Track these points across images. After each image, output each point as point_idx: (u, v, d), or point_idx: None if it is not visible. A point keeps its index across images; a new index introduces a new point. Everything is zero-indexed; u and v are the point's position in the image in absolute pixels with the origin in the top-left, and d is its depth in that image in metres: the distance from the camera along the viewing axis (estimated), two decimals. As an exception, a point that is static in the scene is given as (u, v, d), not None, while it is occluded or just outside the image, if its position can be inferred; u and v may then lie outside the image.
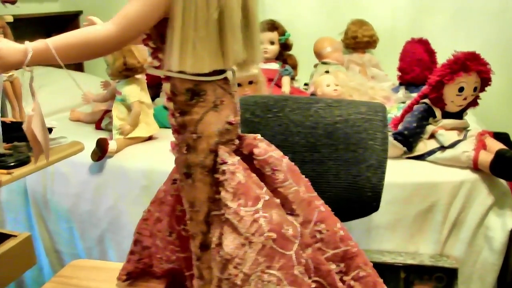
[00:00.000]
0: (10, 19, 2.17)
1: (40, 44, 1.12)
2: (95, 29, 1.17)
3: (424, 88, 2.48)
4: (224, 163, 1.28)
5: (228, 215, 1.25)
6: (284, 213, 1.31)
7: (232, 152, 1.32)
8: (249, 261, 1.22)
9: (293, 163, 1.41)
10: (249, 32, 1.29)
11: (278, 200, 1.32)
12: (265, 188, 1.30)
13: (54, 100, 3.29)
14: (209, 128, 1.29)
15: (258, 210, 1.26)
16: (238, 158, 1.31)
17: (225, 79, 1.32)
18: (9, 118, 2.10)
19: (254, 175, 1.32)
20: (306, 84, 3.70)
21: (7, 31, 2.08)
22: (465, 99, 2.39)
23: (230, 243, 1.23)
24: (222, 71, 1.29)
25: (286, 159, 1.39)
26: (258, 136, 1.39)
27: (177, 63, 1.20)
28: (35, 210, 2.81)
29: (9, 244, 1.78)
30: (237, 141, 1.35)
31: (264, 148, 1.36)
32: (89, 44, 1.16)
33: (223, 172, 1.28)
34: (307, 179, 1.43)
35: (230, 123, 1.31)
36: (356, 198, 1.69)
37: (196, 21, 1.18)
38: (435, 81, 2.35)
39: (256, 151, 1.35)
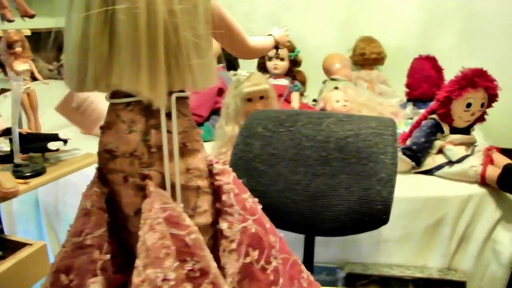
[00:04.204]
0: (28, 32, 2.22)
1: None
2: None
3: (432, 104, 2.51)
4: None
5: None
6: (96, 267, 1.18)
7: (100, 183, 1.25)
8: None
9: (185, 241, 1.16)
10: (113, 58, 1.13)
11: (102, 254, 1.20)
12: (101, 231, 1.21)
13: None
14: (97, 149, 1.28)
15: (69, 241, 1.23)
16: (96, 190, 1.24)
17: (133, 105, 1.22)
18: (25, 129, 2.12)
19: (103, 215, 1.22)
20: (314, 100, 3.73)
21: (25, 44, 2.12)
22: (472, 114, 2.42)
23: None
24: (126, 95, 1.20)
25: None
26: (153, 189, 1.20)
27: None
28: (46, 221, 2.83)
29: (24, 252, 1.81)
30: (132, 178, 1.23)
31: (149, 208, 1.18)
32: None
33: None
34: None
35: (107, 151, 1.24)
36: (367, 211, 1.70)
37: (65, 40, 1.17)
38: (443, 96, 2.38)
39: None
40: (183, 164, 1.24)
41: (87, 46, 1.13)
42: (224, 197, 1.29)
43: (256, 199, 1.40)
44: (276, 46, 1.89)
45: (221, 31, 1.31)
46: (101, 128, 1.26)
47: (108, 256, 1.21)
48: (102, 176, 1.26)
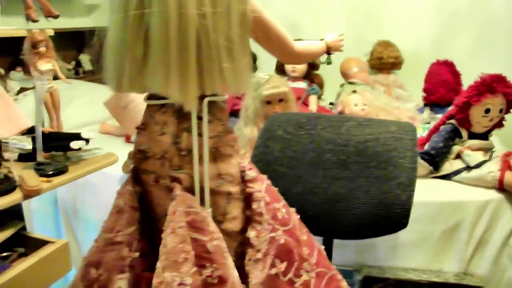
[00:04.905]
0: (51, 32, 2.23)
1: None
2: None
3: (451, 109, 2.51)
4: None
5: None
6: (125, 263, 1.22)
7: (134, 182, 1.29)
8: None
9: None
10: (148, 61, 1.15)
11: (131, 251, 1.24)
12: (131, 229, 1.24)
13: (85, 112, 3.34)
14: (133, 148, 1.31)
15: (101, 236, 1.29)
16: (129, 188, 1.28)
17: (167, 107, 1.25)
18: (47, 128, 2.15)
19: (135, 214, 1.26)
20: (331, 103, 3.74)
21: (49, 44, 2.14)
22: (491, 120, 2.42)
23: None
24: (161, 97, 1.22)
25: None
26: (179, 192, 1.22)
27: None
28: (64, 219, 2.85)
29: (47, 250, 1.83)
30: (163, 180, 1.25)
31: (173, 211, 1.19)
32: None
33: None
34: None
35: (140, 152, 1.28)
36: (386, 214, 1.71)
37: (106, 40, 1.21)
38: (462, 102, 2.38)
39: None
40: (214, 169, 1.25)
41: (124, 48, 1.16)
42: (254, 205, 1.29)
43: (293, 209, 1.39)
44: (328, 52, 1.89)
45: (258, 35, 1.31)
46: (137, 128, 1.28)
47: (137, 254, 1.23)
48: (136, 176, 1.28)
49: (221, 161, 1.26)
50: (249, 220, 1.30)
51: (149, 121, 1.28)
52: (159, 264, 1.13)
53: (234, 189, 1.29)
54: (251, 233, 1.27)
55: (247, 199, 1.31)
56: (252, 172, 1.32)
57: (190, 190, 1.24)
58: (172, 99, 1.17)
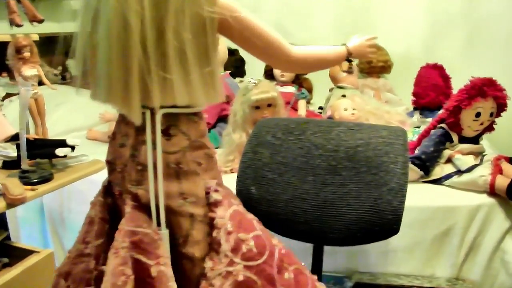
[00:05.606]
0: (36, 37, 2.20)
1: None
2: None
3: (441, 113, 2.49)
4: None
5: None
6: (91, 277, 1.20)
7: (106, 193, 1.27)
8: None
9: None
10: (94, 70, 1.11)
11: (98, 264, 1.22)
12: (100, 242, 1.22)
13: (72, 118, 3.30)
14: None
15: (74, 247, 1.27)
16: (100, 199, 1.25)
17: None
18: (32, 135, 2.11)
19: (105, 226, 1.24)
20: (321, 108, 3.72)
21: (34, 49, 2.11)
22: (481, 124, 2.41)
23: None
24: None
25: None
26: (129, 210, 1.17)
27: None
28: (51, 227, 2.82)
29: (32, 260, 1.80)
30: (125, 194, 1.20)
31: (119, 230, 1.15)
32: None
33: None
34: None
35: (107, 162, 1.25)
36: (377, 220, 1.69)
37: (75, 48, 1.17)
38: (453, 106, 2.37)
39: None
40: (176, 187, 1.16)
41: (86, 56, 1.14)
42: (214, 233, 1.18)
43: (277, 241, 1.26)
44: (348, 59, 1.67)
45: (236, 39, 1.26)
46: (108, 137, 1.25)
47: (104, 268, 1.18)
48: (109, 186, 1.25)
49: (184, 179, 1.17)
50: (210, 247, 1.19)
51: (116, 131, 1.24)
52: (102, 286, 1.08)
53: (198, 211, 1.18)
54: (208, 263, 1.16)
55: (210, 225, 1.20)
56: (217, 195, 1.20)
57: (148, 207, 1.17)
58: (119, 110, 1.13)
